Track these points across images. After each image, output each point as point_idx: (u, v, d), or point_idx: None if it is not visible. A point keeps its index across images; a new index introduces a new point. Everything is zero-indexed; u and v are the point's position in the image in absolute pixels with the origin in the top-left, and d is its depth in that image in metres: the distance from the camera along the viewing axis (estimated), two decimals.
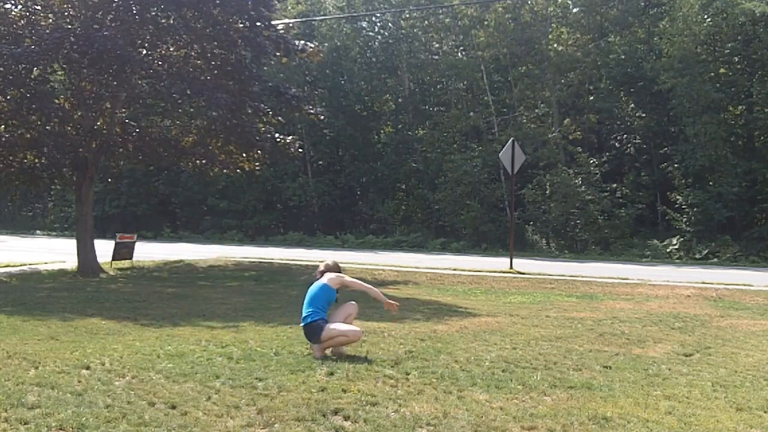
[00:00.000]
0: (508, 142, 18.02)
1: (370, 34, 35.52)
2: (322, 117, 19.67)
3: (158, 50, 15.46)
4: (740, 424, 4.56)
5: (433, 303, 10.70)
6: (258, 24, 15.37)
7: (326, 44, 32.13)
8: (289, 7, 33.27)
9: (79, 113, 14.77)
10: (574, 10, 30.45)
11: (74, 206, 17.76)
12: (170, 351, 6.36)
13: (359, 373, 5.63)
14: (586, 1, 28.77)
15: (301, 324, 6.47)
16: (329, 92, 33.42)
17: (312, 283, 6.75)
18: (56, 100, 14.70)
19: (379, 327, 7.99)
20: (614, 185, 26.34)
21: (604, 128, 29.25)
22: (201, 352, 6.37)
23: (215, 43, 15.27)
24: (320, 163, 34.41)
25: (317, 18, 32.95)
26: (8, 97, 14.25)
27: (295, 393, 4.99)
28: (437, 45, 33.19)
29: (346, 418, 4.48)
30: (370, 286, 7.00)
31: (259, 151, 16.55)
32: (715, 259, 22.05)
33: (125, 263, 16.34)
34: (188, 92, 14.78)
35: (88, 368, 5.61)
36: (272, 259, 19.93)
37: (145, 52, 15.16)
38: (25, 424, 4.21)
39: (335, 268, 6.86)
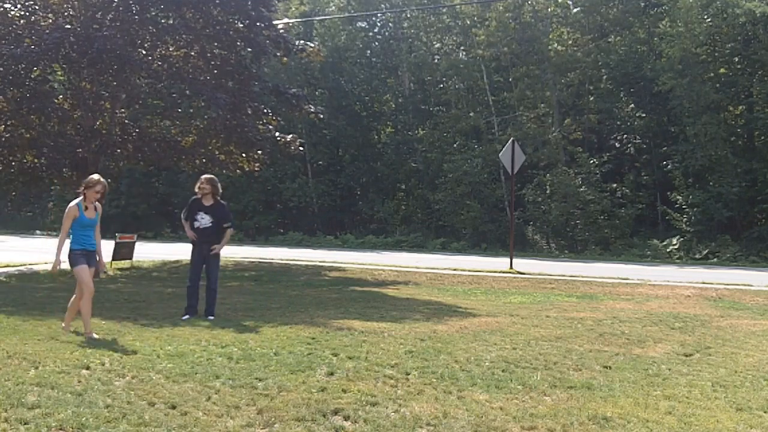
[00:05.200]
0: (508, 142, 18.01)
1: (371, 34, 35.51)
2: (322, 116, 19.67)
3: (158, 50, 15.45)
4: (740, 424, 4.56)
5: (433, 303, 10.70)
6: (258, 24, 15.37)
7: (327, 44, 32.14)
8: (293, 8, 33.26)
9: (79, 113, 14.77)
10: (575, 10, 30.45)
11: None
12: (170, 351, 6.36)
13: (359, 373, 5.63)
14: (587, 1, 28.78)
15: (92, 249, 7.36)
16: (329, 92, 33.41)
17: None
18: (56, 100, 14.70)
19: (379, 327, 7.99)
20: (614, 185, 26.35)
21: (604, 128, 29.26)
22: (201, 352, 6.37)
23: (215, 43, 15.27)
24: (320, 163, 34.40)
25: (317, 18, 32.95)
26: (8, 97, 14.25)
27: (295, 393, 4.99)
28: (437, 45, 33.19)
29: (346, 418, 4.48)
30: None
31: (259, 151, 16.54)
32: (715, 259, 22.04)
33: (125, 263, 16.33)
34: (188, 92, 14.79)
35: (88, 368, 5.61)
36: (272, 259, 19.93)
37: (144, 52, 15.15)
38: (25, 424, 4.20)
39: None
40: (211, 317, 8.60)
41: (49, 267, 15.72)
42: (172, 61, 15.43)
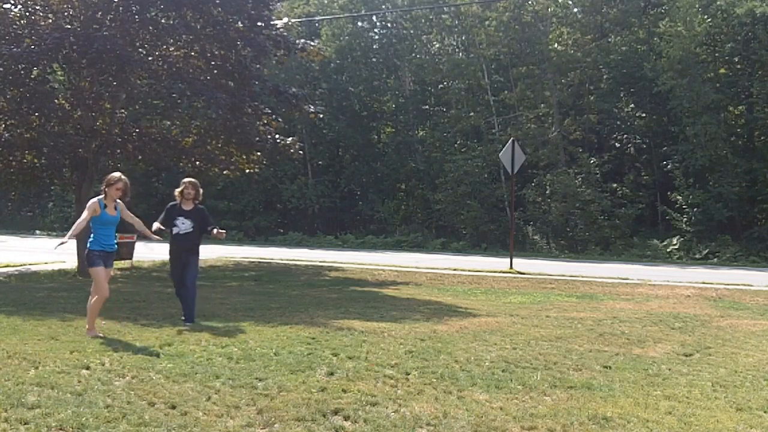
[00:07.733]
0: (509, 141, 18.01)
1: (372, 34, 35.51)
2: (321, 115, 19.64)
3: (158, 50, 15.44)
4: (740, 424, 4.56)
5: (433, 303, 10.70)
6: (258, 24, 15.36)
7: (331, 45, 32.13)
8: (296, 9, 33.22)
9: (79, 113, 14.75)
10: (575, 10, 30.45)
11: (74, 206, 17.76)
12: (170, 351, 6.36)
13: (359, 373, 5.63)
14: (587, 1, 28.78)
15: (110, 250, 7.34)
16: (330, 93, 33.41)
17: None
18: (56, 100, 14.68)
19: (379, 327, 7.99)
20: (614, 185, 26.35)
21: (604, 128, 29.26)
22: (201, 352, 6.37)
23: (215, 43, 15.25)
24: (320, 163, 34.41)
25: (317, 18, 32.94)
26: (8, 97, 14.24)
27: (295, 393, 4.99)
28: (438, 45, 33.20)
29: (346, 418, 4.48)
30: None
31: (258, 152, 16.53)
32: (715, 259, 22.05)
33: (125, 263, 16.33)
34: (188, 92, 14.76)
35: (88, 368, 5.61)
36: (272, 259, 19.94)
37: (144, 52, 15.14)
38: (25, 424, 4.20)
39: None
40: (189, 323, 8.03)
41: (50, 267, 15.75)
42: (172, 61, 15.40)
